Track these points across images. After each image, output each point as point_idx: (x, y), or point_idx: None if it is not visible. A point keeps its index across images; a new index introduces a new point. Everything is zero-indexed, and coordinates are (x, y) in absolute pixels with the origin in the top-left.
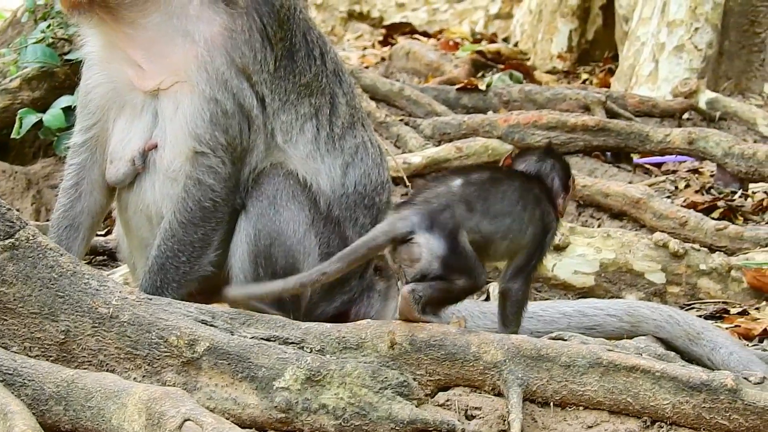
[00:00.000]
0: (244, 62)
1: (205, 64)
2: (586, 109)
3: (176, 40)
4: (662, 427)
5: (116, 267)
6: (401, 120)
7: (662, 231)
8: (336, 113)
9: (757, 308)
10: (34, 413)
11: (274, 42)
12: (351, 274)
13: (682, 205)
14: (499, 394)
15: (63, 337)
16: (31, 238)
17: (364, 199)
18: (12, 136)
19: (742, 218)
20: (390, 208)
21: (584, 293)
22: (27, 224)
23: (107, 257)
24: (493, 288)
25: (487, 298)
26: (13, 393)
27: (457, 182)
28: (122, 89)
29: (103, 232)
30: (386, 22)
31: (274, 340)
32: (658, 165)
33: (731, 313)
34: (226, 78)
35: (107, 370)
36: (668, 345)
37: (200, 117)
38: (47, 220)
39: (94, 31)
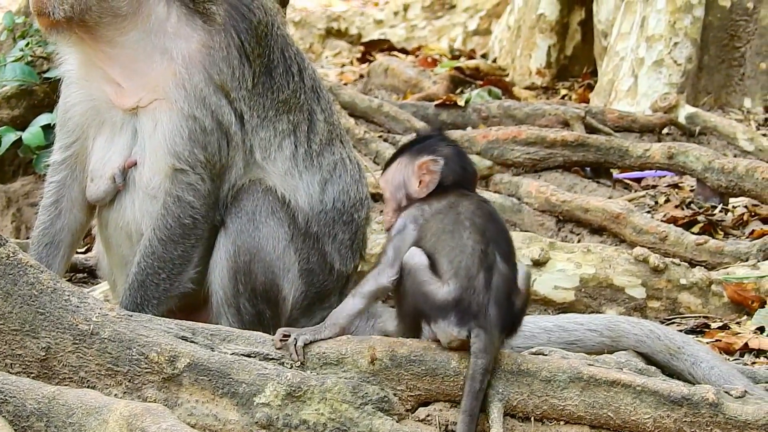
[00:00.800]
0: (222, 79)
1: (183, 81)
2: (566, 124)
3: (154, 57)
4: None
5: (96, 284)
6: (380, 136)
7: (642, 246)
8: (314, 130)
9: (737, 322)
10: (15, 430)
11: (252, 58)
12: (330, 290)
13: (662, 220)
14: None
15: (44, 353)
16: (11, 255)
17: (342, 216)
18: None
19: (722, 233)
20: (368, 224)
21: (564, 308)
22: (7, 241)
23: (87, 274)
24: None
25: None
26: None
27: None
28: (101, 107)
29: (83, 250)
30: (364, 39)
31: (255, 356)
32: (638, 180)
33: (712, 327)
34: (204, 95)
35: (88, 387)
36: (649, 360)
37: (179, 134)
38: (27, 238)
39: (73, 50)
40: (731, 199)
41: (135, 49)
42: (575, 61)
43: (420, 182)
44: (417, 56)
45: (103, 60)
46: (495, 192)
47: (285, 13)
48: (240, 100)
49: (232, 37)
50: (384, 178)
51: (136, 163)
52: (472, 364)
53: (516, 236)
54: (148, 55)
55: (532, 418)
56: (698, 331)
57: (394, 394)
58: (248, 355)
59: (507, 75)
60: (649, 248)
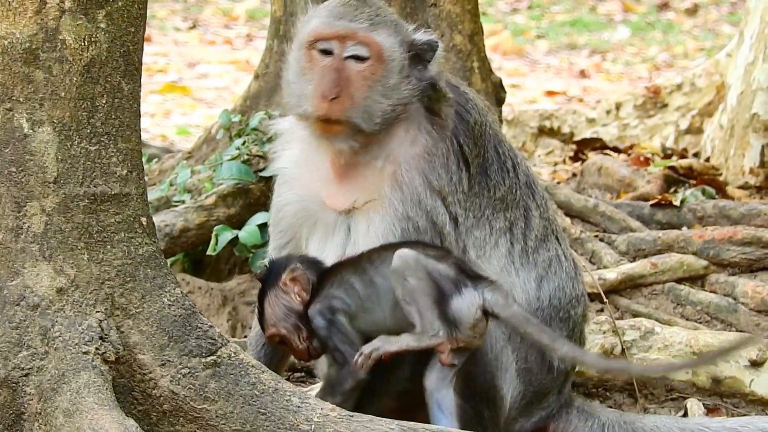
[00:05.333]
0: (440, 184)
1: (402, 184)
2: None
3: (378, 161)
4: None
5: (314, 383)
6: (596, 236)
7: None
8: (530, 226)
9: None
10: None
11: (470, 161)
12: (549, 389)
13: None
14: None
15: None
16: (233, 355)
17: (559, 312)
18: (208, 252)
19: None
20: (586, 322)
21: None
22: (228, 341)
23: (305, 373)
24: (690, 404)
25: (685, 414)
26: None
27: None
28: (314, 208)
29: None
30: (577, 138)
31: None
32: None
33: None
34: (420, 198)
35: None
36: None
37: (392, 233)
38: (244, 337)
39: (295, 148)
40: None
41: (364, 153)
42: None
43: (297, 295)
44: (629, 155)
45: (330, 161)
46: (711, 292)
47: (501, 113)
48: (456, 204)
49: (452, 142)
50: (271, 325)
51: None
52: (509, 315)
53: (732, 337)
54: (373, 158)
55: None
56: None
57: None
58: None
59: (720, 174)
60: None
